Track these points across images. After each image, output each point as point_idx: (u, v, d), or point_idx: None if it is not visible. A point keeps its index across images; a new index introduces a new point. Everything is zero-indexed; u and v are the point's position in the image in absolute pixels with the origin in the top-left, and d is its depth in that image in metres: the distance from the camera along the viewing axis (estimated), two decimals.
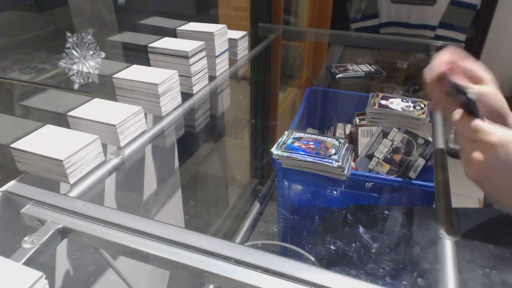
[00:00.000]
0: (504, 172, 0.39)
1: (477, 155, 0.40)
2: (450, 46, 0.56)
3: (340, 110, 1.18)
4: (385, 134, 0.87)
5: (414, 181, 0.77)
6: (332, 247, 0.74)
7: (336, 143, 0.74)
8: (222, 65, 0.80)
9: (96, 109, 0.56)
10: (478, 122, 0.41)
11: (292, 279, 0.34)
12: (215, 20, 1.01)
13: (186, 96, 0.68)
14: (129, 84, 0.60)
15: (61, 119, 0.54)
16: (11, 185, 0.46)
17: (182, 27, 0.77)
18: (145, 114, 0.58)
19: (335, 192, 0.78)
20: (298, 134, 0.78)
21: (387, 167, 0.85)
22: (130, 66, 0.64)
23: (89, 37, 0.56)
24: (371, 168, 0.86)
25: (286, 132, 0.79)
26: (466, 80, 0.48)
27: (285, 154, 0.71)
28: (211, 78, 0.76)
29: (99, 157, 0.50)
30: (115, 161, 0.51)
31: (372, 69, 1.08)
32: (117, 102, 0.58)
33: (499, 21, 1.91)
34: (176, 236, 0.38)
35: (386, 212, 0.76)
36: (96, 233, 0.39)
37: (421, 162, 0.85)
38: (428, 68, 0.49)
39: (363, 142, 0.90)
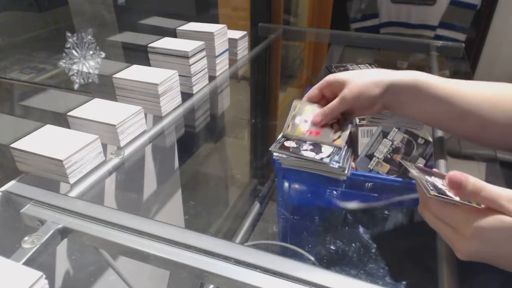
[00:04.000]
0: (491, 256, 0.38)
1: (459, 244, 0.38)
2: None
3: None
4: (385, 134, 0.87)
5: (414, 181, 0.77)
6: (332, 247, 0.74)
7: None
8: (222, 65, 0.80)
9: (96, 109, 0.56)
10: (455, 209, 0.39)
11: (292, 279, 0.34)
12: (215, 20, 1.01)
13: (186, 96, 0.68)
14: (129, 84, 0.60)
15: (61, 119, 0.54)
16: (11, 185, 0.46)
17: (182, 27, 0.77)
18: (145, 114, 0.58)
19: (335, 192, 0.78)
20: None
21: (387, 167, 0.85)
22: (130, 66, 0.64)
23: (89, 37, 0.56)
24: (371, 168, 0.86)
25: None
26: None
27: (285, 154, 0.71)
28: (211, 78, 0.76)
29: (99, 157, 0.50)
30: (115, 161, 0.51)
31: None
32: (117, 102, 0.58)
33: (499, 21, 1.91)
34: (176, 236, 0.38)
35: (386, 212, 0.76)
36: (96, 233, 0.39)
37: (421, 162, 0.85)
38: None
39: (363, 142, 0.90)
